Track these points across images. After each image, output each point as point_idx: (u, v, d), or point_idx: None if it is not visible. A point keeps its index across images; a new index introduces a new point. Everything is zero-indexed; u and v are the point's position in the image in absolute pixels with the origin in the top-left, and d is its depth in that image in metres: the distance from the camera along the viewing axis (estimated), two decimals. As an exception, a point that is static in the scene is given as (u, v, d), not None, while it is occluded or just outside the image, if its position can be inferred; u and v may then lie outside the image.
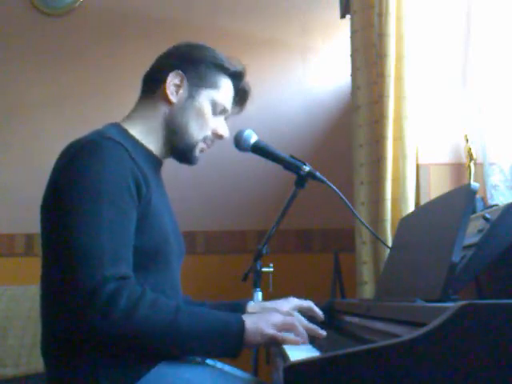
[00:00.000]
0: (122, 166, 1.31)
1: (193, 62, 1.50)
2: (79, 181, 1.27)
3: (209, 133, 1.52)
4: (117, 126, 1.47)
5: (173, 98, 1.48)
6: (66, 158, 1.33)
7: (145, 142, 1.48)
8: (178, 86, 1.48)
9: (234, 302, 1.62)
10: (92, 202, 1.25)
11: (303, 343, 1.29)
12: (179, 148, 1.51)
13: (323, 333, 1.33)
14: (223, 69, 1.52)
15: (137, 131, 1.48)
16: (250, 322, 1.26)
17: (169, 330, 1.21)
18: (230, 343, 1.24)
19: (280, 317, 1.31)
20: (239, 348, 1.25)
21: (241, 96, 1.60)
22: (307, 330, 1.33)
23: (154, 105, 1.50)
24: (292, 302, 1.54)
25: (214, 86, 1.50)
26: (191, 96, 1.49)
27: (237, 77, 1.55)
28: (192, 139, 1.50)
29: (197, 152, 1.52)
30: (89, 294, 1.17)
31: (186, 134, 1.49)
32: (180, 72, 1.48)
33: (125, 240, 1.27)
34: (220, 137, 1.55)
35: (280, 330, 1.28)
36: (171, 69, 1.48)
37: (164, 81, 1.48)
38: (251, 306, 1.59)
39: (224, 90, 1.53)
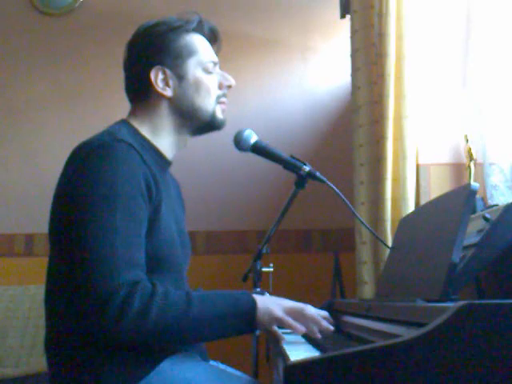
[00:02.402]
0: (135, 169, 1.30)
1: (161, 48, 1.46)
2: (92, 185, 1.27)
3: (217, 92, 1.51)
4: (127, 125, 1.45)
5: (168, 93, 1.46)
6: (79, 160, 1.32)
7: (154, 141, 1.46)
8: (164, 80, 1.46)
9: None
10: (106, 208, 1.24)
11: (312, 334, 1.31)
12: (202, 125, 1.50)
13: (331, 327, 1.34)
14: (186, 30, 1.50)
15: (146, 131, 1.46)
16: (261, 301, 1.29)
17: (183, 321, 1.22)
18: (244, 321, 1.26)
19: (290, 303, 1.33)
20: (253, 324, 1.27)
21: (212, 36, 1.56)
22: (316, 322, 1.34)
23: (154, 105, 1.47)
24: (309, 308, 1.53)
25: (191, 52, 1.48)
26: (181, 77, 1.46)
27: (200, 27, 1.53)
28: (207, 111, 1.49)
29: (219, 115, 1.51)
30: (103, 300, 1.18)
31: (198, 112, 1.48)
32: (157, 66, 1.45)
33: (137, 244, 1.27)
34: (229, 87, 1.53)
35: (288, 316, 1.29)
36: (148, 69, 1.45)
37: (149, 83, 1.45)
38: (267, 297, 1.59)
39: (201, 47, 1.50)
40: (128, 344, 1.22)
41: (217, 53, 1.58)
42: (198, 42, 1.51)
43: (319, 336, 1.32)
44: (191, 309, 1.23)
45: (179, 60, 1.46)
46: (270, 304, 1.29)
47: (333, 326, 1.44)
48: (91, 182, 1.27)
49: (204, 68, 1.49)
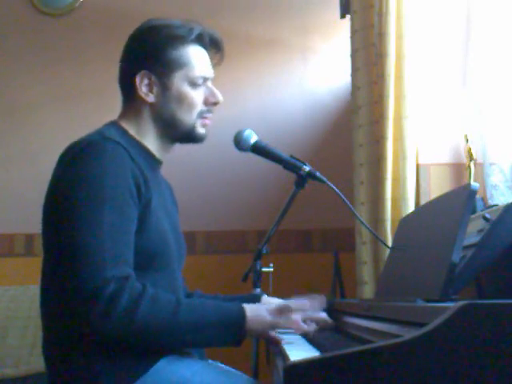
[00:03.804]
0: (123, 167, 1.31)
1: (152, 54, 1.46)
2: (81, 183, 1.28)
3: (200, 108, 1.49)
4: (116, 126, 1.46)
5: (149, 99, 1.46)
6: (68, 159, 1.33)
7: (144, 142, 1.48)
8: (149, 85, 1.46)
9: (248, 295, 1.63)
10: (94, 205, 1.26)
11: (308, 330, 1.31)
12: (178, 136, 1.50)
13: (325, 317, 1.35)
14: (184, 41, 1.47)
15: (133, 132, 1.48)
16: (250, 310, 1.28)
17: (170, 324, 1.22)
18: (233, 332, 1.26)
19: (277, 303, 1.33)
20: (242, 336, 1.27)
21: (214, 45, 1.54)
22: (312, 318, 1.35)
23: (137, 108, 1.48)
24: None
25: (181, 64, 1.46)
26: (165, 87, 1.46)
27: (200, 38, 1.50)
28: (186, 124, 1.48)
29: (199, 130, 1.50)
30: (90, 295, 1.18)
31: (178, 123, 1.48)
32: (144, 71, 1.45)
33: (126, 241, 1.28)
34: (215, 104, 1.51)
35: (279, 317, 1.30)
36: (136, 71, 1.45)
37: (135, 86, 1.46)
38: (266, 298, 1.59)
39: (195, 60, 1.48)
40: (113, 341, 1.22)
41: (218, 63, 1.57)
42: (193, 54, 1.49)
43: (314, 327, 1.33)
44: (179, 314, 1.23)
45: (167, 69, 1.46)
46: (260, 311, 1.29)
47: (333, 326, 1.44)
48: (80, 180, 1.28)
49: (190, 82, 1.47)
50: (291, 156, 1.72)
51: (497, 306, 0.80)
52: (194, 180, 3.10)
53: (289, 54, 3.26)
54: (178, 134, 1.50)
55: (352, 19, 2.32)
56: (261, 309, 1.31)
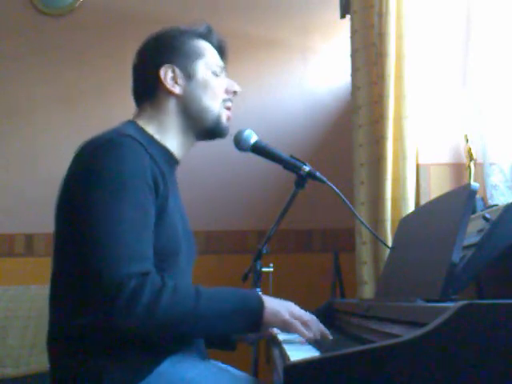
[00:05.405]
0: (141, 163, 1.32)
1: (170, 48, 1.51)
2: (100, 179, 1.28)
3: (223, 95, 1.54)
4: (133, 124, 1.47)
5: (176, 90, 1.49)
6: (85, 156, 1.33)
7: (162, 140, 1.48)
8: (173, 78, 1.49)
9: None
10: (114, 201, 1.26)
11: (314, 338, 1.32)
12: (207, 127, 1.52)
13: (330, 336, 1.35)
14: (193, 34, 1.55)
15: (153, 129, 1.48)
16: (268, 301, 1.30)
17: (191, 315, 1.23)
18: (251, 319, 1.28)
19: (298, 308, 1.34)
20: (260, 322, 1.28)
21: (220, 48, 1.61)
22: (320, 330, 1.35)
23: (161, 104, 1.50)
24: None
25: (199, 54, 1.53)
26: (190, 76, 1.50)
27: (207, 34, 1.57)
28: (213, 111, 1.52)
29: (224, 121, 1.54)
30: (112, 291, 1.18)
31: (205, 111, 1.51)
32: (167, 65, 1.49)
33: (147, 236, 1.28)
34: (235, 93, 1.57)
35: (296, 320, 1.31)
36: (158, 67, 1.49)
37: (158, 82, 1.49)
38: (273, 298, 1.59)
39: (208, 52, 1.55)
40: (134, 336, 1.23)
41: (225, 63, 1.61)
42: (205, 47, 1.55)
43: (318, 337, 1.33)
44: (199, 305, 1.23)
45: (188, 60, 1.51)
46: (276, 306, 1.31)
47: (332, 326, 1.44)
48: (99, 176, 1.28)
49: (212, 70, 1.53)
50: (291, 156, 1.72)
51: (497, 306, 0.80)
52: (193, 180, 3.09)
53: (289, 54, 3.26)
54: (204, 125, 1.52)
55: (352, 19, 2.32)
56: (280, 305, 1.32)
